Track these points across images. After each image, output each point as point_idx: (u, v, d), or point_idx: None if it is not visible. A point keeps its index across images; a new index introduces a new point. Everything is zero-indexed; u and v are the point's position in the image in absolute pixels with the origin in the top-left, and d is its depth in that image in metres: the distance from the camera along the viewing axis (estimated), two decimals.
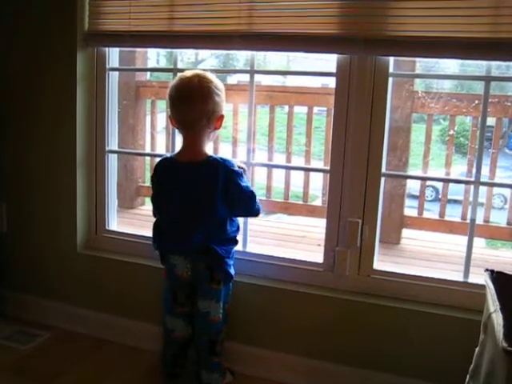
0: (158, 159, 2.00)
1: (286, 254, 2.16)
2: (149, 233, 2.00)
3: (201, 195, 1.82)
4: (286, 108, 3.79)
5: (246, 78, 2.16)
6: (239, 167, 1.93)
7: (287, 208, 3.90)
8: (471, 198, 1.98)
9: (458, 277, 1.93)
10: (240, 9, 1.96)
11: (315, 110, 3.72)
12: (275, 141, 3.67)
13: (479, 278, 1.78)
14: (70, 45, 2.24)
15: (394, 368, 1.93)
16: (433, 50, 1.78)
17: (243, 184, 1.86)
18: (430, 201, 3.91)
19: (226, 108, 1.91)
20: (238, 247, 2.06)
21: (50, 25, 2.26)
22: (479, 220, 3.30)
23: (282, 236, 3.56)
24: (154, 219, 1.98)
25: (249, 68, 2.10)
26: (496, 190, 3.59)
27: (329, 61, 1.99)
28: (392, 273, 1.99)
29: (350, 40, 1.84)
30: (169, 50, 2.44)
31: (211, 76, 1.87)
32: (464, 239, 1.97)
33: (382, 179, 1.97)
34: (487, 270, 1.51)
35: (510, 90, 3.69)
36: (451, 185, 3.62)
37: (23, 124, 2.40)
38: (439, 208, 3.58)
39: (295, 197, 3.93)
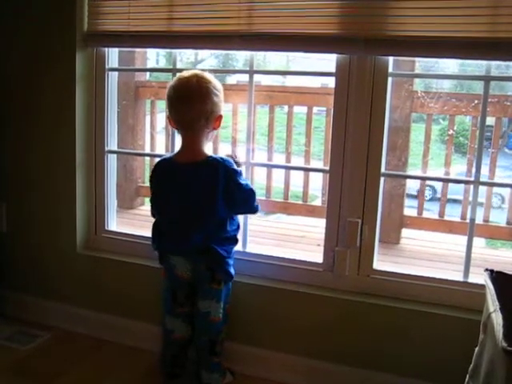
0: (157, 159, 2.00)
1: (286, 254, 2.16)
2: (148, 233, 2.00)
3: (201, 195, 1.82)
4: (286, 108, 3.79)
5: (245, 78, 2.16)
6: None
7: (287, 208, 3.90)
8: (471, 198, 1.98)
9: (458, 277, 1.93)
10: (239, 9, 1.96)
11: (315, 109, 3.71)
12: (275, 141, 3.67)
13: (479, 277, 1.78)
14: (70, 45, 2.24)
15: (394, 368, 1.93)
16: (432, 50, 1.78)
17: (243, 182, 1.87)
18: (427, 200, 3.91)
19: (225, 108, 1.91)
20: (238, 247, 2.06)
21: (50, 25, 2.26)
22: (479, 220, 3.30)
23: (282, 236, 3.55)
24: (153, 219, 1.98)
25: (248, 68, 2.10)
26: (494, 189, 3.58)
27: (328, 61, 1.99)
28: (392, 273, 1.99)
29: (349, 40, 1.84)
30: (168, 50, 2.44)
31: (210, 76, 1.87)
32: (464, 239, 1.97)
33: (382, 179, 1.97)
34: (487, 269, 1.51)
35: (509, 89, 3.69)
36: (451, 184, 3.62)
37: (23, 124, 2.40)
38: (439, 208, 3.58)
39: (295, 197, 3.93)
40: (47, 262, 2.46)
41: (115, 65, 2.34)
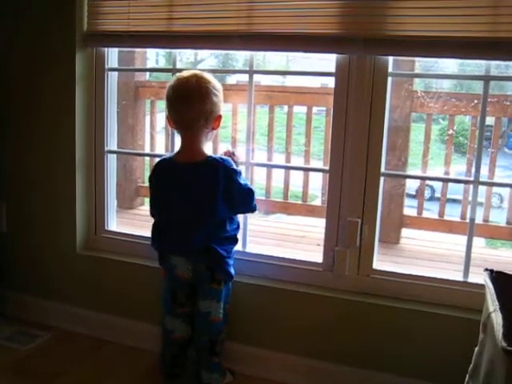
0: (157, 159, 2.00)
1: (286, 253, 2.16)
2: (148, 233, 2.00)
3: (201, 195, 1.82)
4: (286, 108, 3.79)
5: (245, 78, 2.16)
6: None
7: (287, 208, 3.90)
8: (470, 198, 1.98)
9: (458, 276, 1.93)
10: (239, 9, 1.96)
11: (314, 109, 3.72)
12: (274, 141, 3.67)
13: (479, 277, 1.78)
14: (70, 45, 2.24)
15: (394, 368, 1.93)
16: (432, 50, 1.78)
17: (243, 182, 1.87)
18: (426, 200, 3.90)
19: (224, 108, 1.91)
20: (238, 247, 2.06)
21: (50, 25, 2.26)
22: (479, 219, 3.30)
23: (282, 236, 3.56)
24: (153, 220, 1.98)
25: (248, 68, 2.10)
26: (493, 188, 3.58)
27: (328, 60, 1.99)
28: (391, 272, 1.99)
29: (349, 40, 1.84)
30: (168, 50, 2.45)
31: (209, 76, 1.87)
32: (463, 239, 1.96)
33: (382, 179, 1.97)
34: (486, 269, 1.51)
35: (509, 89, 3.69)
36: (450, 184, 3.62)
37: (23, 124, 2.40)
38: (438, 207, 3.58)
39: (295, 197, 3.93)
40: (47, 262, 2.46)
41: (115, 65, 2.34)
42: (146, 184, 3.56)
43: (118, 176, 2.56)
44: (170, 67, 2.22)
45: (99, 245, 2.41)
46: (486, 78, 1.83)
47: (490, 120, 3.31)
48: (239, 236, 1.98)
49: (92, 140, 2.35)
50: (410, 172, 3.59)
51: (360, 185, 1.96)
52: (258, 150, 3.23)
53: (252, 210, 1.96)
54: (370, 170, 1.94)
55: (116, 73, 2.37)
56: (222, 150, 2.11)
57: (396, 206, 3.46)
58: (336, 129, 1.97)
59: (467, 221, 1.98)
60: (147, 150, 3.87)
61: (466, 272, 1.92)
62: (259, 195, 3.60)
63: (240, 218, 2.03)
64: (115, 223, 2.45)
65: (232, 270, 1.91)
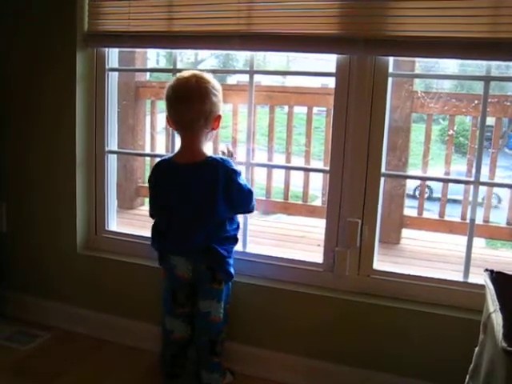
0: (157, 159, 2.00)
1: (286, 254, 2.16)
2: (148, 233, 2.00)
3: (201, 196, 1.82)
4: (286, 108, 3.79)
5: (245, 78, 2.16)
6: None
7: (287, 208, 3.90)
8: (471, 198, 1.98)
9: (458, 277, 1.93)
10: (239, 9, 1.96)
11: (315, 110, 3.71)
12: (275, 141, 3.67)
13: (479, 277, 1.78)
14: (70, 45, 2.24)
15: (394, 368, 1.93)
16: (432, 50, 1.78)
17: (242, 183, 1.87)
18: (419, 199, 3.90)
19: (225, 108, 1.91)
20: (238, 247, 2.06)
21: (50, 25, 2.26)
22: (479, 220, 3.30)
23: (282, 236, 3.56)
24: (153, 220, 1.98)
25: (248, 68, 2.10)
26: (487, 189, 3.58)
27: (328, 61, 1.99)
28: (392, 273, 1.99)
29: (349, 40, 1.84)
30: (168, 50, 2.44)
31: (208, 76, 1.87)
32: (464, 239, 1.97)
33: (382, 179, 1.97)
34: (487, 269, 1.51)
35: (509, 89, 3.69)
36: (451, 184, 3.62)
37: (23, 124, 2.40)
38: (439, 208, 3.58)
39: (295, 197, 3.93)
40: (47, 261, 2.46)
41: (115, 65, 2.35)
42: (147, 184, 3.57)
43: (118, 176, 2.57)
44: (171, 67, 2.22)
45: (99, 245, 2.41)
46: (487, 79, 1.83)
47: (490, 120, 3.31)
48: (239, 236, 1.98)
49: (92, 140, 2.35)
50: (410, 172, 3.59)
51: (360, 185, 1.96)
52: (258, 150, 3.23)
53: (250, 210, 1.96)
54: (371, 171, 1.94)
55: (116, 73, 2.37)
56: (219, 149, 2.11)
57: (396, 207, 3.46)
58: (336, 129, 1.97)
59: (467, 221, 1.98)
60: (148, 151, 3.87)
61: (466, 272, 1.92)
62: (260, 195, 3.61)
63: (240, 218, 2.03)
64: (115, 223, 2.45)
65: (232, 270, 1.91)
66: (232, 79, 4.10)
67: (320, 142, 4.07)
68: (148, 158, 3.86)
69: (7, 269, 2.55)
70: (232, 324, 2.01)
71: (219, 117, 1.88)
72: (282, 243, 3.34)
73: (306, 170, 3.88)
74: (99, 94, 2.31)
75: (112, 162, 2.39)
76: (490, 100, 1.89)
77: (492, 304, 1.34)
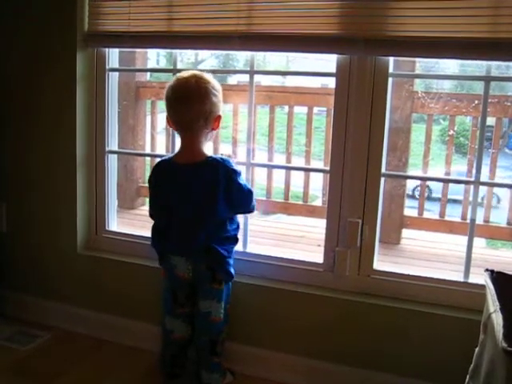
0: (158, 160, 2.00)
1: (286, 254, 2.16)
2: (148, 233, 2.00)
3: (201, 196, 1.82)
4: (286, 108, 3.79)
5: (245, 78, 2.16)
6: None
7: (287, 208, 3.90)
8: (471, 198, 1.98)
9: (458, 277, 1.93)
10: (239, 9, 1.96)
11: (315, 110, 3.72)
12: (275, 141, 3.67)
13: (479, 278, 1.78)
14: (70, 45, 2.24)
15: (394, 368, 1.93)
16: (433, 50, 1.78)
17: (242, 183, 1.87)
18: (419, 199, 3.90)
19: (225, 108, 1.91)
20: (239, 247, 2.06)
21: (50, 25, 2.26)
22: (479, 220, 3.30)
23: (283, 236, 3.56)
24: (152, 220, 1.98)
25: (248, 68, 2.10)
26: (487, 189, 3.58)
27: (328, 61, 1.99)
28: (392, 273, 1.99)
29: (349, 40, 1.84)
30: (168, 50, 2.44)
31: (208, 76, 1.86)
32: (464, 239, 1.97)
33: (382, 179, 1.97)
34: (487, 270, 1.51)
35: (509, 89, 3.69)
36: (451, 184, 3.62)
37: (23, 124, 2.40)
38: (439, 208, 3.58)
39: (295, 197, 3.93)
40: (47, 261, 2.46)
41: (116, 65, 2.35)
42: (147, 184, 3.58)
43: (118, 176, 2.57)
44: (171, 67, 2.22)
45: (100, 245, 2.41)
46: (487, 79, 1.83)
47: (490, 120, 3.31)
48: (240, 236, 1.98)
49: (93, 140, 2.35)
50: (410, 173, 3.59)
51: (361, 185, 1.96)
52: (258, 150, 3.23)
53: (250, 210, 1.96)
54: (371, 171, 1.94)
55: (117, 73, 2.37)
56: (222, 152, 2.11)
57: (397, 207, 3.46)
58: (337, 129, 1.97)
59: (468, 221, 1.98)
60: (148, 151, 3.87)
61: (467, 272, 1.92)
62: (260, 195, 3.61)
63: (240, 218, 2.03)
64: (116, 223, 2.45)
65: (232, 270, 1.91)
66: (232, 79, 4.10)
67: (320, 142, 4.07)
68: (148, 158, 3.86)
69: (7, 269, 2.55)
70: (232, 324, 2.01)
71: (219, 117, 1.88)
72: (282, 243, 3.35)
73: (307, 170, 3.88)
74: (99, 94, 2.31)
75: (112, 162, 2.39)
76: (490, 100, 1.89)
77: (492, 304, 1.34)
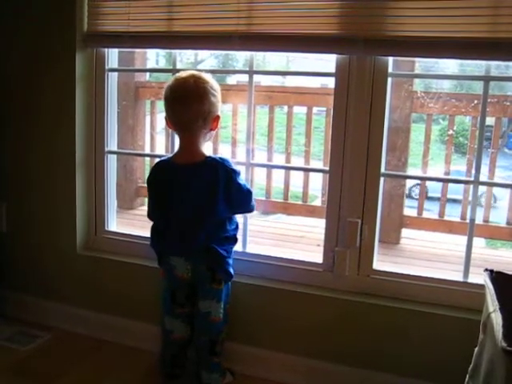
0: (157, 160, 2.00)
1: (286, 254, 2.16)
2: (148, 233, 2.00)
3: (201, 196, 1.82)
4: (286, 108, 3.79)
5: (245, 78, 2.16)
6: None
7: (287, 208, 3.90)
8: (470, 198, 1.98)
9: (458, 277, 1.93)
10: (239, 9, 1.96)
11: (314, 110, 3.71)
12: (274, 141, 3.67)
13: (479, 277, 1.78)
14: (70, 45, 2.24)
15: (393, 368, 1.93)
16: (432, 50, 1.78)
17: (241, 183, 1.87)
18: (417, 199, 3.90)
19: (225, 108, 1.91)
20: (238, 247, 2.06)
21: (50, 25, 2.26)
22: (479, 220, 3.30)
23: (282, 236, 3.56)
24: (151, 221, 1.98)
25: (248, 68, 2.10)
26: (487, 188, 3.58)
27: (328, 61, 1.99)
28: (391, 273, 1.99)
29: (349, 40, 1.84)
30: (168, 50, 2.44)
31: (207, 76, 1.86)
32: (464, 239, 1.97)
33: (382, 179, 1.97)
34: (487, 269, 1.51)
35: (509, 89, 3.69)
36: (451, 184, 3.62)
37: (23, 124, 2.40)
38: (438, 208, 3.58)
39: (295, 197, 3.93)
40: (47, 262, 2.46)
41: (115, 65, 2.35)
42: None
43: (118, 176, 2.57)
44: (170, 67, 2.22)
45: (99, 245, 2.41)
46: (486, 79, 1.83)
47: (490, 120, 3.31)
48: (239, 236, 1.98)
49: (92, 140, 2.35)
50: (410, 172, 3.59)
51: (360, 185, 1.96)
52: (258, 150, 3.23)
53: (250, 210, 1.97)
54: (370, 171, 1.94)
55: (116, 73, 2.37)
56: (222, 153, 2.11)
57: (396, 207, 3.46)
58: (336, 129, 1.97)
59: (467, 221, 1.98)
60: (147, 151, 3.87)
61: (466, 272, 1.92)
62: (259, 195, 3.61)
63: (240, 218, 2.03)
64: (115, 223, 2.45)
65: (232, 270, 1.91)
66: (232, 79, 4.10)
67: (320, 142, 4.07)
68: (148, 159, 3.86)
69: (7, 269, 2.55)
70: (232, 324, 2.02)
71: (218, 117, 1.88)
72: (281, 243, 3.35)
73: (306, 170, 3.88)
74: (99, 95, 2.31)
75: (112, 163, 2.39)
76: (489, 100, 1.90)
77: (492, 304, 1.34)
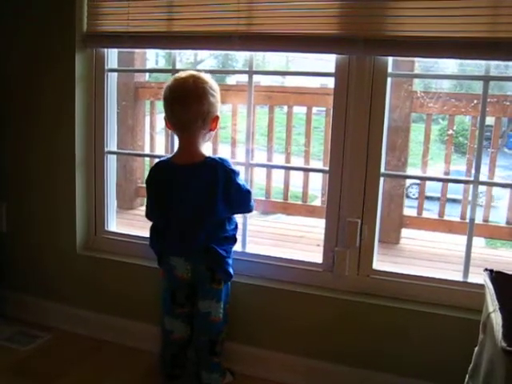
0: (156, 160, 2.00)
1: (286, 254, 2.16)
2: (148, 234, 2.00)
3: (200, 196, 1.82)
4: (285, 108, 3.79)
5: (244, 78, 2.16)
6: None
7: (286, 208, 3.90)
8: (470, 198, 1.98)
9: (458, 276, 1.93)
10: (239, 9, 1.96)
11: (314, 110, 3.72)
12: (274, 141, 3.68)
13: (479, 277, 1.78)
14: (69, 45, 2.24)
15: (393, 368, 1.93)
16: (432, 50, 1.78)
17: (241, 183, 1.87)
18: (415, 199, 3.89)
19: (224, 109, 1.91)
20: (237, 247, 2.06)
21: (50, 25, 2.26)
22: (478, 219, 3.30)
23: (282, 236, 3.56)
24: (150, 221, 1.98)
25: (247, 68, 2.10)
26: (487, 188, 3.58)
27: (328, 61, 1.99)
28: (391, 273, 1.99)
29: (348, 40, 1.84)
30: (167, 50, 2.44)
31: (206, 76, 1.86)
32: (463, 239, 1.96)
33: (381, 179, 1.97)
34: (486, 269, 1.51)
35: (508, 89, 3.69)
36: (450, 184, 3.63)
37: (23, 124, 2.40)
38: (438, 208, 3.58)
39: (294, 197, 3.93)
40: (47, 262, 2.46)
41: (115, 65, 2.34)
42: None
43: (117, 176, 2.57)
44: (170, 68, 2.21)
45: (99, 245, 2.41)
46: (486, 78, 1.83)
47: (489, 120, 3.31)
48: (239, 236, 1.98)
49: (92, 140, 2.35)
50: (409, 172, 3.59)
51: (360, 185, 1.96)
52: (257, 150, 3.24)
53: (249, 210, 1.97)
54: (370, 171, 1.94)
55: (116, 73, 2.37)
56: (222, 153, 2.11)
57: (396, 206, 3.46)
58: (336, 129, 1.97)
59: (467, 221, 1.98)
60: (147, 151, 3.87)
61: (466, 272, 1.92)
62: (259, 195, 3.61)
63: (240, 218, 2.03)
64: (115, 224, 2.45)
65: (231, 270, 1.91)
66: (231, 79, 4.10)
67: (319, 141, 4.07)
68: (147, 159, 3.86)
69: (7, 269, 2.55)
70: (231, 324, 2.02)
71: (217, 117, 1.87)
72: (281, 243, 3.35)
73: (306, 170, 3.88)
74: (98, 95, 2.31)
75: (111, 163, 2.39)
76: (489, 100, 1.89)
77: (491, 304, 1.34)
